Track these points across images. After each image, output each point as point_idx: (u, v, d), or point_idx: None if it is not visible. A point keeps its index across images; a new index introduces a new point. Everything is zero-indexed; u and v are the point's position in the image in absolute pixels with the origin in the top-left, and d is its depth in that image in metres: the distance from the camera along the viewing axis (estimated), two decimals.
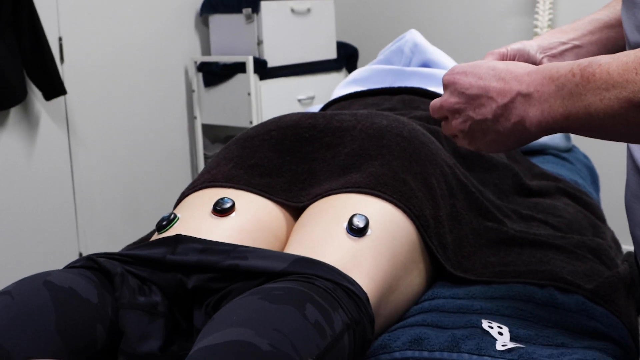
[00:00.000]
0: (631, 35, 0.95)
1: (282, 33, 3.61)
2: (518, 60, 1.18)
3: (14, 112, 3.06)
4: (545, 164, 2.05)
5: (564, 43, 1.22)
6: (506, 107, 0.95)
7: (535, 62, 1.20)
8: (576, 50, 1.23)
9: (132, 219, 3.52)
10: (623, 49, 1.27)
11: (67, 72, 3.23)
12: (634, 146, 1.00)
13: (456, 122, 1.02)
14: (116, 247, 3.06)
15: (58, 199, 3.24)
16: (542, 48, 1.22)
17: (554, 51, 1.22)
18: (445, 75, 1.03)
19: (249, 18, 3.55)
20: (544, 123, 0.92)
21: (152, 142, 3.64)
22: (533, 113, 0.93)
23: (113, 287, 1.02)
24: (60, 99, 3.18)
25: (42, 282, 0.96)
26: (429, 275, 1.26)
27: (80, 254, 3.28)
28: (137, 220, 3.50)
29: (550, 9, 3.46)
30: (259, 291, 0.94)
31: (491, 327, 1.07)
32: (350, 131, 1.35)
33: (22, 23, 2.95)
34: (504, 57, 1.19)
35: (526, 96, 0.93)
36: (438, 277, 1.29)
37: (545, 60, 1.22)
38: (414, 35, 2.15)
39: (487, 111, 0.97)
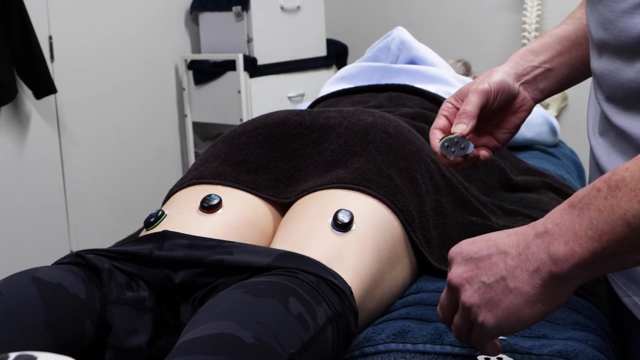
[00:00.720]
0: (595, 32, 0.94)
1: (272, 31, 3.62)
2: (501, 95, 1.17)
3: (4, 111, 3.06)
4: (532, 159, 2.07)
5: (536, 67, 1.22)
6: (521, 256, 0.80)
7: (514, 93, 1.19)
8: (547, 74, 1.22)
9: (123, 216, 3.53)
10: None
11: (57, 70, 3.24)
12: (598, 152, 0.97)
13: (466, 296, 0.86)
14: (107, 244, 3.06)
15: (49, 197, 3.25)
16: (517, 75, 1.20)
17: (528, 77, 1.21)
18: (451, 250, 0.90)
19: (238, 16, 3.56)
20: (572, 257, 0.76)
21: (142, 140, 3.64)
22: (556, 250, 0.77)
23: (101, 282, 1.04)
24: (51, 97, 3.19)
25: (30, 278, 0.97)
26: (413, 269, 1.28)
27: (71, 251, 3.28)
28: (128, 217, 3.51)
29: (538, 5, 3.48)
30: (244, 285, 0.96)
31: None
32: (336, 128, 1.36)
33: (12, 22, 2.95)
34: (488, 95, 1.15)
35: (543, 234, 0.79)
36: (423, 272, 1.31)
37: (521, 88, 1.20)
38: (400, 33, 2.16)
39: (500, 269, 0.82)
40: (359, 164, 1.27)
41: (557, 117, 3.53)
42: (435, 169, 1.39)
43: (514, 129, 1.22)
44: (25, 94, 3.11)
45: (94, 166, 3.43)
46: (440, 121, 1.18)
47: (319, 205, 1.20)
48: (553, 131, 2.30)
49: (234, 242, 1.10)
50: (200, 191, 1.25)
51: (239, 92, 3.53)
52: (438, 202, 1.35)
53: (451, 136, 1.11)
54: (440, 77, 2.00)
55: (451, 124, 1.17)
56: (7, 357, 0.71)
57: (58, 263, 1.09)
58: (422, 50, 2.14)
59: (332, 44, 3.98)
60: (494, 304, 0.83)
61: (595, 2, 0.93)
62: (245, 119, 3.52)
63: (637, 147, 0.90)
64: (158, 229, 1.18)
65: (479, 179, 1.62)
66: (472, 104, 1.14)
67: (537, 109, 2.28)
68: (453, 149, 1.12)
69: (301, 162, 1.33)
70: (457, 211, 1.40)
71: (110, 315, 1.00)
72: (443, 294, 0.92)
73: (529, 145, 2.26)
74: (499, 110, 1.18)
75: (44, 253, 3.17)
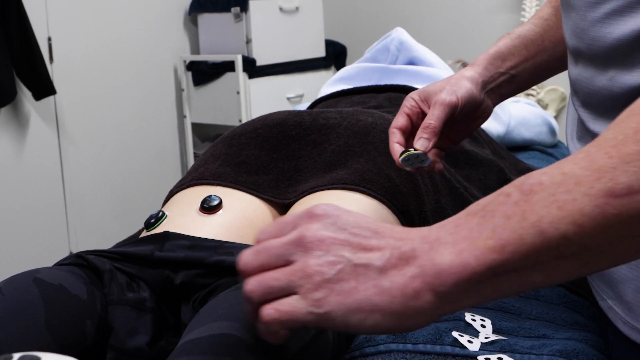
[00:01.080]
0: (569, 39, 0.94)
1: (271, 31, 3.62)
2: (466, 108, 1.16)
3: (3, 112, 3.06)
4: (531, 160, 2.07)
5: (502, 73, 1.22)
6: (403, 256, 0.65)
7: (479, 102, 1.19)
8: (511, 79, 1.22)
9: (122, 217, 3.53)
10: (554, 72, 1.27)
11: (56, 71, 3.24)
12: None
13: (316, 262, 0.66)
14: (107, 245, 3.06)
15: (48, 198, 3.25)
16: (484, 83, 1.20)
17: (493, 84, 1.21)
18: (320, 204, 0.71)
19: (237, 17, 3.56)
20: (463, 270, 0.62)
21: (142, 141, 3.65)
22: (443, 259, 0.63)
23: (102, 283, 1.04)
24: (50, 98, 3.19)
25: (31, 279, 0.97)
26: None
27: (71, 252, 3.28)
28: (127, 218, 3.52)
29: (537, 5, 3.49)
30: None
31: (474, 320, 1.08)
32: (336, 128, 1.36)
33: (11, 23, 2.96)
34: (454, 108, 1.14)
35: (434, 241, 0.64)
36: None
37: (485, 96, 1.20)
38: (399, 33, 2.16)
39: (375, 257, 0.66)
40: (358, 165, 1.27)
41: (555, 117, 3.54)
42: None
43: (471, 132, 1.23)
44: (25, 95, 3.11)
45: (93, 167, 3.43)
46: (401, 119, 1.17)
47: None
48: (552, 131, 2.30)
49: (235, 243, 1.10)
50: (201, 192, 1.26)
51: (238, 92, 3.53)
52: (437, 202, 1.35)
53: (413, 152, 1.12)
54: (439, 78, 2.00)
55: (412, 124, 1.17)
56: (11, 357, 0.72)
57: (59, 264, 1.09)
58: (421, 50, 2.14)
59: (330, 45, 3.98)
60: (348, 291, 0.65)
61: (568, 10, 0.93)
62: (244, 120, 3.52)
63: None
64: (158, 229, 1.18)
65: (478, 179, 1.63)
66: (437, 119, 1.13)
67: (536, 110, 2.29)
68: (412, 162, 1.13)
69: (301, 163, 1.33)
70: (457, 211, 1.40)
71: (111, 316, 1.00)
72: (276, 230, 0.71)
73: (527, 146, 2.26)
74: (460, 119, 1.19)
75: (44, 254, 3.18)
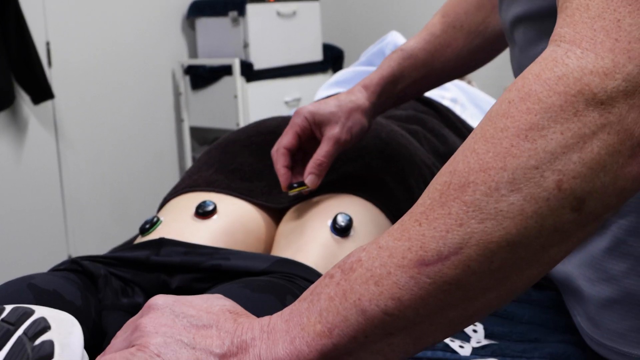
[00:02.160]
0: (515, 74, 0.93)
1: (268, 36, 3.63)
2: (356, 140, 1.20)
3: (2, 116, 3.07)
4: None
5: (391, 97, 1.26)
6: (243, 344, 0.63)
7: (367, 130, 1.23)
8: (398, 100, 1.28)
9: (120, 221, 3.53)
10: (430, 89, 1.32)
11: (55, 76, 3.25)
12: None
13: (153, 344, 0.63)
14: (105, 249, 3.07)
15: (47, 202, 3.26)
16: (374, 112, 1.24)
17: (380, 109, 1.27)
18: (155, 298, 0.68)
19: (235, 21, 3.57)
20: (297, 357, 0.60)
21: (140, 145, 3.65)
22: (278, 348, 0.61)
23: (97, 289, 1.05)
24: (48, 102, 3.20)
25: (26, 285, 0.98)
26: None
27: (70, 256, 3.30)
28: (125, 222, 3.52)
29: None
30: (241, 281, 0.97)
31: None
32: None
33: (10, 27, 2.96)
34: (345, 144, 1.18)
35: (271, 330, 0.63)
36: None
37: (372, 121, 1.24)
38: (395, 37, 2.17)
39: (215, 344, 0.63)
40: (352, 170, 1.28)
41: None
42: (429, 174, 1.40)
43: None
44: (23, 99, 3.12)
45: (92, 171, 3.44)
46: (291, 139, 1.19)
47: (316, 209, 1.21)
48: None
49: (231, 249, 1.11)
50: (195, 198, 1.26)
51: (236, 96, 3.54)
52: None
53: (302, 188, 1.18)
54: None
55: (300, 144, 1.20)
56: (3, 309, 0.72)
57: (54, 269, 1.09)
58: None
59: (328, 49, 3.99)
60: None
61: (512, 45, 0.93)
62: (241, 124, 3.53)
63: None
64: (153, 235, 1.19)
65: None
66: (328, 155, 1.16)
67: None
68: (297, 191, 1.19)
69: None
70: None
71: (105, 321, 1.01)
72: (114, 340, 0.69)
73: None
74: None
75: (42, 257, 3.18)
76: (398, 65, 1.24)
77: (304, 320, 0.61)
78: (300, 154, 1.23)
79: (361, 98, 1.22)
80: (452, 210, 0.56)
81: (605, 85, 0.54)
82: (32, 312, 0.73)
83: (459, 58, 1.28)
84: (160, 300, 0.67)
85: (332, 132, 1.17)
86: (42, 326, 0.71)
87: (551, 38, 0.59)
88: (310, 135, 1.21)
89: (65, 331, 0.72)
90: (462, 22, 1.28)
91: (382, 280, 0.57)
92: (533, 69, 0.57)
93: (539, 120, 0.55)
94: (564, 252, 0.57)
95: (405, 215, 0.60)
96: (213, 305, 0.67)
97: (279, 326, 0.63)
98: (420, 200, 0.60)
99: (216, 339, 0.63)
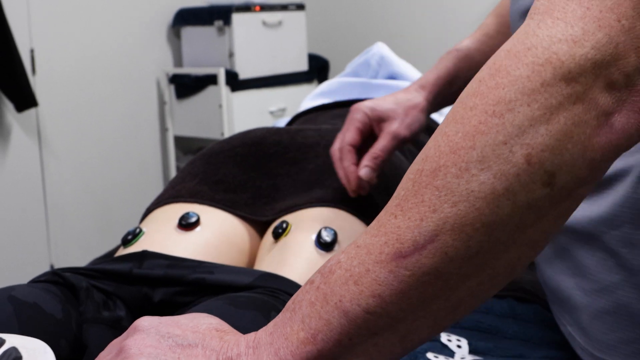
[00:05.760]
0: (516, 23, 0.92)
1: (254, 45, 3.63)
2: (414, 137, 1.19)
3: None
4: None
5: (447, 97, 1.25)
6: None
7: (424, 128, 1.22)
8: (451, 101, 1.24)
9: (104, 230, 3.52)
10: None
11: (38, 83, 3.23)
12: None
13: None
14: (88, 259, 3.06)
15: (29, 211, 3.24)
16: (430, 110, 1.23)
17: (436, 109, 1.26)
18: (141, 319, 0.68)
19: (220, 30, 3.57)
20: None
21: (124, 153, 3.64)
22: None
23: (78, 301, 1.03)
24: (32, 110, 3.19)
25: (6, 297, 0.97)
26: None
27: (52, 266, 3.28)
28: (109, 231, 3.50)
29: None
30: (225, 297, 0.96)
31: (450, 341, 1.08)
32: (315, 147, 1.37)
33: None
34: (404, 142, 1.17)
35: (256, 345, 0.62)
36: None
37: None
38: (380, 49, 2.18)
39: None
40: (337, 184, 1.27)
41: None
42: None
43: None
44: (6, 106, 3.10)
45: (75, 179, 3.42)
46: (354, 135, 1.18)
47: (301, 224, 1.21)
48: None
49: (215, 263, 1.10)
50: (178, 209, 1.25)
51: (220, 106, 3.53)
52: None
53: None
54: None
55: (362, 140, 1.18)
56: None
57: (35, 281, 1.08)
58: (402, 65, 2.15)
59: (313, 59, 3.99)
60: None
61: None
62: (226, 133, 3.52)
63: None
64: (136, 246, 1.18)
65: None
66: (385, 151, 1.15)
67: None
68: None
69: (279, 181, 1.33)
70: None
71: (86, 335, 0.99)
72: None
73: None
74: None
75: (24, 266, 3.16)
76: (454, 66, 1.23)
77: (287, 330, 0.60)
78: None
79: (418, 97, 1.21)
80: (425, 197, 0.55)
81: (573, 53, 0.53)
82: (2, 341, 0.72)
83: None
84: (145, 322, 0.66)
85: (391, 128, 1.15)
86: (13, 357, 0.70)
87: (528, 13, 0.57)
88: (370, 131, 1.19)
89: None
90: None
91: (362, 279, 0.56)
92: (505, 45, 0.57)
93: (506, 93, 0.54)
94: (540, 233, 0.55)
95: (381, 211, 0.59)
96: (199, 324, 0.65)
97: (263, 340, 0.61)
98: (395, 194, 0.58)
99: (202, 357, 0.62)
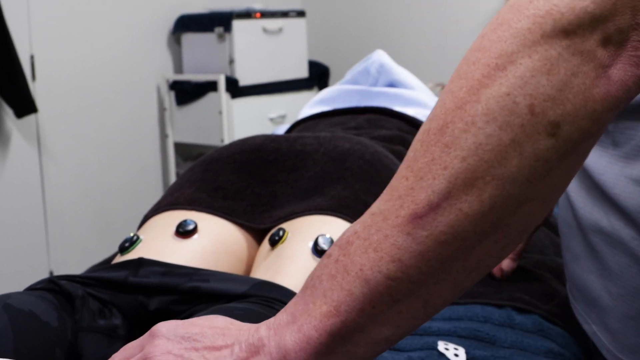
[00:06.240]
0: None
1: (254, 52, 3.63)
2: None
3: None
4: None
5: None
6: (251, 347, 0.62)
7: None
8: None
9: (103, 236, 3.51)
10: None
11: (38, 89, 3.23)
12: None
13: None
14: (87, 265, 3.06)
15: (29, 216, 3.23)
16: None
17: None
18: (158, 325, 0.68)
19: (221, 37, 3.57)
20: (307, 346, 0.59)
21: (124, 160, 3.64)
22: (287, 340, 0.60)
23: (73, 309, 1.03)
24: (32, 116, 3.18)
25: (1, 305, 0.96)
26: None
27: (51, 272, 3.27)
28: (108, 238, 3.50)
29: None
30: (220, 310, 0.96)
31: (447, 349, 1.08)
32: (313, 155, 1.36)
33: None
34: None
35: (277, 325, 0.62)
36: None
37: None
38: (380, 56, 2.18)
39: (225, 354, 0.63)
40: (335, 191, 1.27)
41: None
42: None
43: None
44: (6, 112, 3.10)
45: (75, 186, 3.42)
46: None
47: (299, 232, 1.20)
48: None
49: (210, 270, 1.09)
50: (176, 216, 1.25)
51: (220, 112, 3.53)
52: None
53: None
54: (419, 101, 2.01)
55: None
56: None
57: (31, 288, 1.08)
58: (401, 73, 2.15)
59: (314, 66, 3.99)
60: None
61: None
62: (226, 140, 3.52)
63: (594, 183, 0.91)
64: (133, 253, 1.17)
65: None
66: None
67: None
68: None
69: (277, 188, 1.33)
70: None
71: (82, 344, 0.99)
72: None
73: None
74: None
75: (23, 272, 3.15)
76: None
77: (309, 306, 0.60)
78: None
79: None
80: (435, 156, 0.56)
81: (573, 5, 0.54)
82: None
83: None
84: (163, 327, 0.66)
85: None
86: None
87: None
88: None
89: None
90: None
91: (381, 245, 0.57)
92: (510, 1, 0.58)
93: (508, 46, 0.55)
94: (550, 187, 0.56)
95: (393, 177, 0.59)
96: (215, 321, 0.67)
97: (284, 319, 0.62)
98: (405, 158, 0.59)
99: (225, 349, 0.63)
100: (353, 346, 0.59)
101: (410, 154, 0.58)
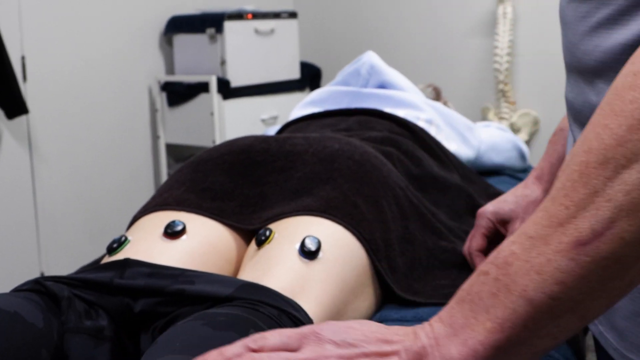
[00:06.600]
0: (565, 56, 0.95)
1: (246, 53, 3.62)
2: None
3: None
4: (501, 184, 2.07)
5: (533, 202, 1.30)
6: (417, 356, 0.66)
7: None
8: None
9: (95, 238, 3.50)
10: None
11: (29, 90, 3.22)
12: None
13: None
14: (78, 265, 3.05)
15: (20, 217, 3.22)
16: (515, 212, 1.30)
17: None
18: (314, 326, 0.70)
19: (212, 38, 3.56)
20: (473, 358, 0.63)
21: (115, 161, 3.63)
22: (452, 352, 0.64)
23: (60, 310, 1.03)
24: (23, 117, 3.17)
25: None
26: (377, 298, 1.27)
27: (42, 273, 3.26)
28: (100, 239, 3.49)
29: (510, 30, 3.51)
30: (204, 316, 0.95)
31: None
32: (302, 155, 1.36)
33: None
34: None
35: (437, 337, 0.66)
36: (387, 300, 1.31)
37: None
38: (370, 57, 2.18)
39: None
40: (324, 192, 1.27)
41: (528, 141, 3.55)
42: (402, 195, 1.39)
43: None
44: None
45: (66, 187, 3.41)
46: (480, 241, 1.30)
47: (286, 232, 1.20)
48: (522, 156, 2.31)
49: (197, 272, 1.09)
50: (164, 217, 1.25)
51: (212, 114, 3.52)
52: (405, 228, 1.35)
53: None
54: (410, 102, 2.01)
55: (489, 243, 1.30)
56: None
57: (17, 289, 1.08)
58: (392, 74, 2.15)
59: (305, 67, 3.98)
60: None
61: (563, 27, 0.93)
62: (218, 141, 3.51)
63: None
64: (121, 254, 1.17)
65: (446, 204, 1.63)
66: None
67: (507, 135, 2.30)
68: None
69: (266, 189, 1.33)
70: (427, 236, 1.40)
71: (68, 345, 0.99)
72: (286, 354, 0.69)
73: (498, 170, 2.27)
74: None
75: (14, 273, 3.14)
76: (563, 147, 1.26)
77: (471, 321, 0.63)
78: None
79: (536, 191, 1.29)
80: (597, 188, 0.59)
81: None
82: None
83: None
84: (328, 331, 0.69)
85: (514, 228, 1.23)
86: None
87: None
88: (495, 232, 1.29)
89: None
90: None
91: (544, 268, 0.60)
92: None
93: None
94: None
95: (545, 202, 0.63)
96: (372, 326, 0.70)
97: (443, 331, 0.65)
98: (558, 184, 0.62)
99: (393, 356, 0.66)
100: (514, 357, 0.63)
101: (566, 183, 0.61)
